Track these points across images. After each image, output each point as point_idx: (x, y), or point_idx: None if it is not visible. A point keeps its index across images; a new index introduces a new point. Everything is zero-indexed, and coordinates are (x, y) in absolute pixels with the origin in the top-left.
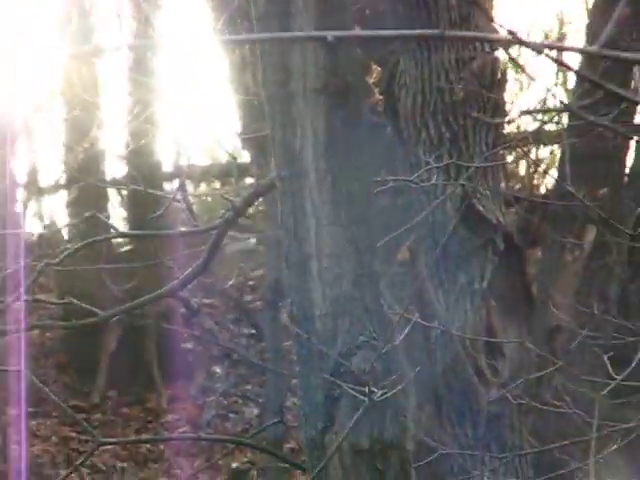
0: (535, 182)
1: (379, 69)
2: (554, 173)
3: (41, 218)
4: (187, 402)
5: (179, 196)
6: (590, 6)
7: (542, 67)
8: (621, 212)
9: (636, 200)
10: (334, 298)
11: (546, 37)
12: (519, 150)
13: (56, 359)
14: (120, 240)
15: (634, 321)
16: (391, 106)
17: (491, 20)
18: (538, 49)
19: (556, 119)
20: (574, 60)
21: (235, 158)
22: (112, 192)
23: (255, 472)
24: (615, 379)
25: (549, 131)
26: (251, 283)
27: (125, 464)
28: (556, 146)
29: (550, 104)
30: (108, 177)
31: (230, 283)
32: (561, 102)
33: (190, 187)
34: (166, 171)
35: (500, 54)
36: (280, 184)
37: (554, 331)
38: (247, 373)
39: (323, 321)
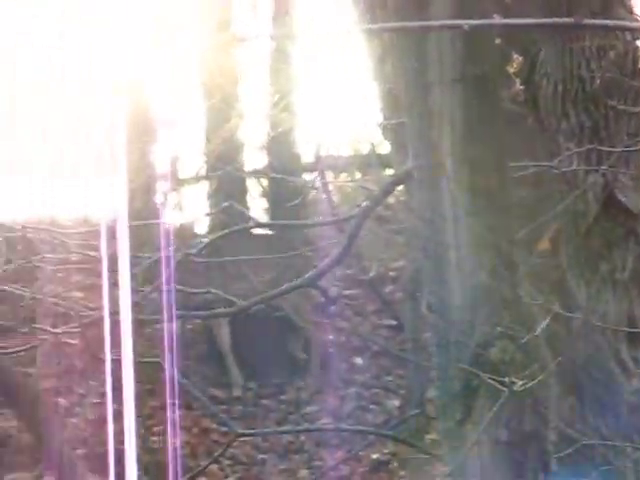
0: None
1: (520, 59)
2: None
3: (181, 209)
4: (328, 393)
5: (318, 185)
6: None
7: None
8: None
9: None
10: (472, 288)
11: None
12: None
13: (197, 350)
14: (260, 231)
15: None
16: (532, 96)
17: (630, 10)
18: None
19: None
20: None
21: (376, 149)
22: (252, 183)
23: (396, 463)
24: None
25: None
26: (392, 274)
27: (266, 455)
28: None
29: None
30: (248, 168)
31: (371, 274)
32: None
33: (330, 177)
34: (306, 162)
35: None
36: (418, 174)
37: None
38: (388, 364)
39: (461, 311)
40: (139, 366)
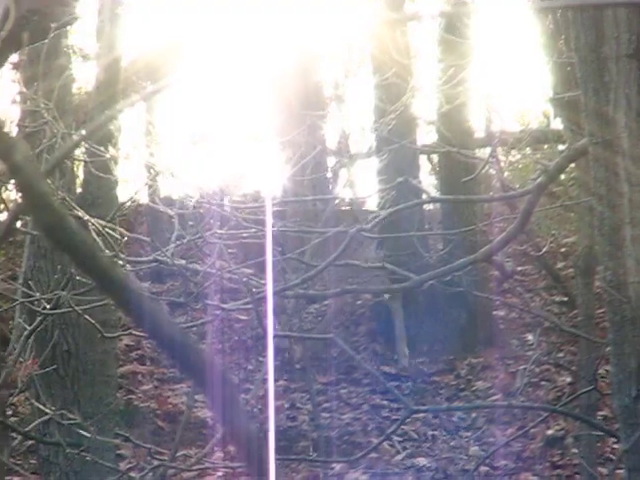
0: None
1: None
2: None
3: (352, 185)
4: (499, 370)
5: (491, 160)
6: None
7: None
8: None
9: None
10: None
11: None
12: None
13: (366, 326)
14: (430, 206)
15: None
16: None
17: None
18: None
19: None
20: None
21: (548, 124)
22: (423, 159)
23: (569, 440)
24: None
25: None
26: (563, 250)
27: (436, 432)
28: None
29: None
30: (419, 144)
31: (543, 250)
32: None
33: (502, 153)
34: (478, 137)
35: None
36: (593, 150)
37: None
38: (559, 341)
39: (636, 288)
40: (308, 342)
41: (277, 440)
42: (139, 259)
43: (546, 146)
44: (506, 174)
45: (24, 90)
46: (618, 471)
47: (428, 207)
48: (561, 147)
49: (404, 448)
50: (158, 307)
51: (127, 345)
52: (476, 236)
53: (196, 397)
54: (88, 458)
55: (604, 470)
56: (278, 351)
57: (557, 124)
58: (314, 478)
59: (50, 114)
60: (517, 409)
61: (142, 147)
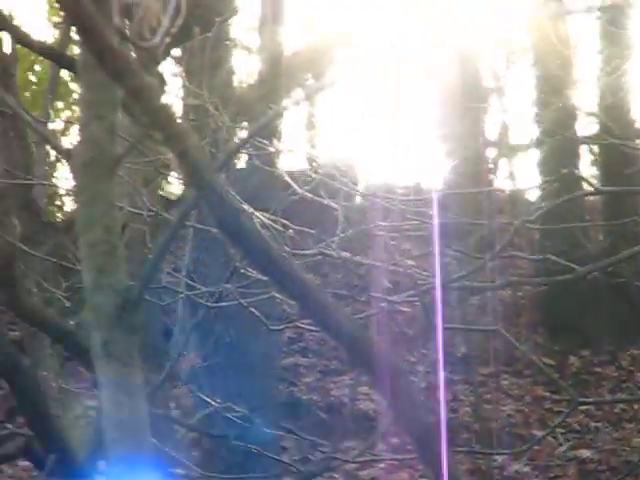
0: None
1: None
2: None
3: (512, 176)
4: None
5: None
6: None
7: None
8: None
9: None
10: None
11: None
12: None
13: (528, 318)
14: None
15: None
16: None
17: None
18: None
19: None
20: None
21: None
22: (583, 150)
23: None
24: None
25: None
26: None
27: (599, 424)
28: None
29: None
30: (580, 135)
31: None
32: None
33: None
34: (639, 128)
35: None
36: None
37: None
38: None
39: None
40: (470, 334)
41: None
42: (303, 251)
43: None
44: None
45: (187, 83)
46: None
47: (588, 198)
48: None
49: (566, 440)
50: (330, 300)
51: (289, 337)
52: (638, 227)
53: (359, 389)
54: (253, 450)
55: None
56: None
57: None
58: (477, 470)
59: (213, 107)
60: None
61: (304, 139)
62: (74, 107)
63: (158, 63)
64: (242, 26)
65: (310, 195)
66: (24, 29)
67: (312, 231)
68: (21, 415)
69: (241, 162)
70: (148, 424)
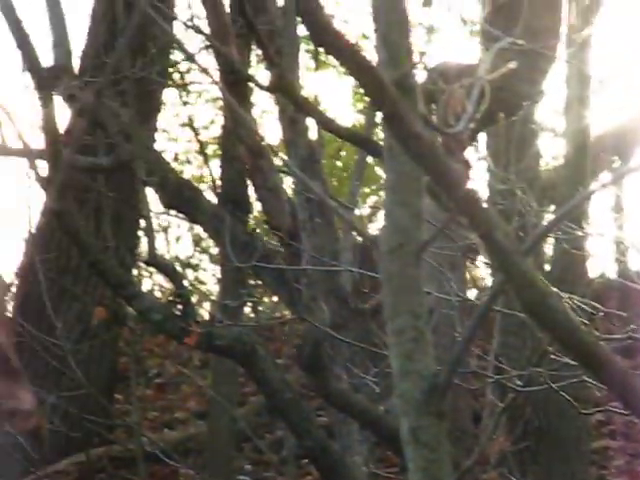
0: None
1: None
2: None
3: None
4: None
5: None
6: None
7: None
8: None
9: None
10: None
11: None
12: None
13: None
14: None
15: None
16: None
17: None
18: None
19: None
20: None
21: None
22: None
23: None
24: None
25: None
26: None
27: None
28: None
29: None
30: None
31: None
32: None
33: None
34: None
35: None
36: None
37: None
38: None
39: None
40: None
41: None
42: (611, 336)
43: None
44: None
45: (492, 167)
46: None
47: None
48: None
49: None
50: None
51: (598, 421)
52: None
53: None
54: None
55: None
56: None
57: None
58: None
59: (520, 191)
60: None
61: (610, 221)
62: (380, 192)
63: (464, 149)
64: (547, 108)
65: (618, 278)
66: (329, 115)
67: (623, 314)
68: None
69: (549, 246)
70: None
